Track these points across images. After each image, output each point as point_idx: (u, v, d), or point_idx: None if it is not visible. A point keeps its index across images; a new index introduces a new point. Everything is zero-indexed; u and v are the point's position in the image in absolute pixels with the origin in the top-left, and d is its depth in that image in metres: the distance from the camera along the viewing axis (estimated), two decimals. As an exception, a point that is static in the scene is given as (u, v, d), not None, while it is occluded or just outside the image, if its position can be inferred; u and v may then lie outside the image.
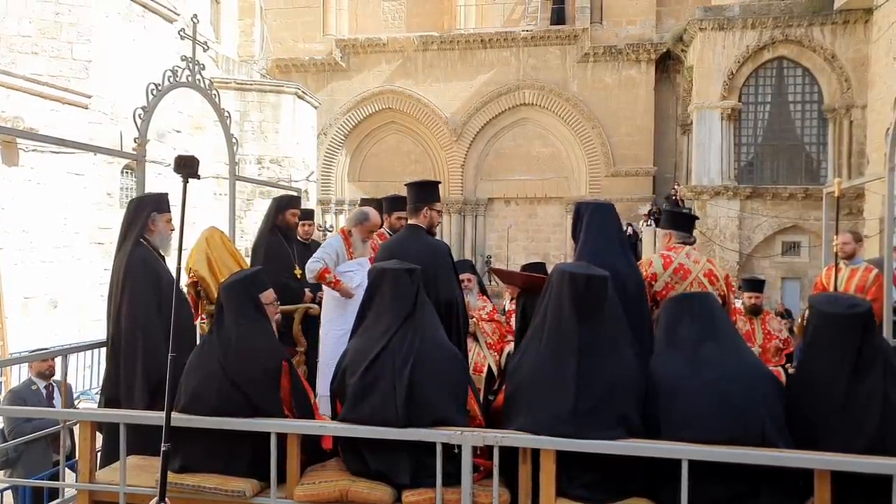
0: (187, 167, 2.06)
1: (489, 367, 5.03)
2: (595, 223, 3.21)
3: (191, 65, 4.38)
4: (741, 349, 2.77)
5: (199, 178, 2.11)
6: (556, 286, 2.72)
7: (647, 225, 17.44)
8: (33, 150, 9.68)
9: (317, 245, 5.35)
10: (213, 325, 3.01)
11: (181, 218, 2.06)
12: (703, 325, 2.70)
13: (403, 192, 4.00)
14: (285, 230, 5.21)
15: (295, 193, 5.82)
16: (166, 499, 1.76)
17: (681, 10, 18.86)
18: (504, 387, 2.97)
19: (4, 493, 4.01)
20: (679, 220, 4.04)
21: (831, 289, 5.03)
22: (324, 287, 4.57)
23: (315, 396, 3.66)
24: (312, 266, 4.34)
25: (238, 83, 15.53)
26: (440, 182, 4.10)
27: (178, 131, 12.75)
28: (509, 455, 2.54)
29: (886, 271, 4.28)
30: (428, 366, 2.65)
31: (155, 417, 2.83)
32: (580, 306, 2.62)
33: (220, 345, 2.85)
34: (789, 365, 5.11)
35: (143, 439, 3.12)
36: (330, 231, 17.30)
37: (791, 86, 16.71)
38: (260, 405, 2.76)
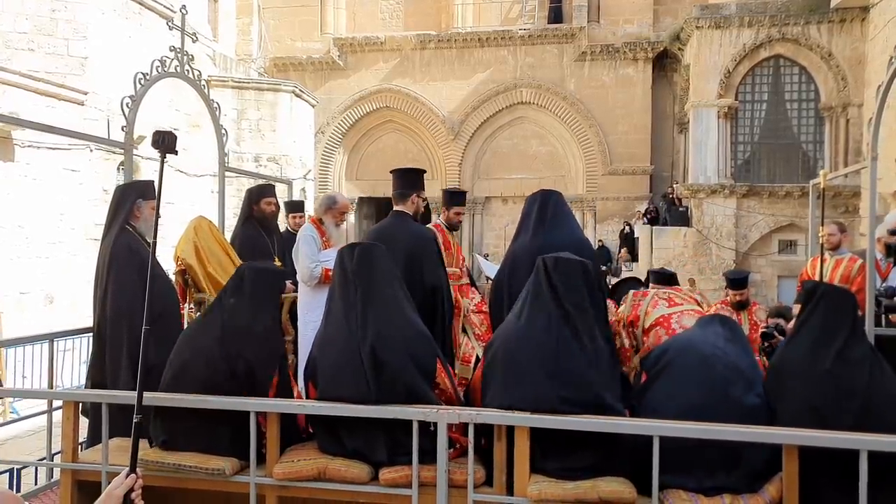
0: (165, 142, 2.08)
1: (477, 357, 5.07)
2: (550, 206, 3.34)
3: (180, 55, 4.42)
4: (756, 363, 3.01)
5: (176, 154, 2.12)
6: (536, 271, 2.83)
7: (643, 224, 17.48)
8: (29, 146, 9.72)
9: None
10: (220, 301, 3.02)
11: (157, 195, 2.09)
12: (733, 333, 2.94)
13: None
14: (262, 220, 5.09)
15: (268, 182, 5.66)
16: (137, 470, 1.77)
17: (678, 9, 18.90)
18: (482, 359, 3.03)
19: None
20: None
21: (816, 279, 5.06)
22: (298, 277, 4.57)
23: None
24: (314, 273, 4.22)
25: (235, 81, 15.55)
26: (425, 171, 4.15)
27: (175, 129, 12.79)
28: (485, 431, 2.58)
29: (869, 260, 4.31)
30: (393, 339, 2.69)
31: (133, 397, 2.85)
32: (557, 289, 2.71)
33: (227, 320, 2.87)
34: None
35: (127, 423, 3.15)
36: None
37: (788, 84, 16.74)
38: (256, 384, 2.79)
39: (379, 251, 2.91)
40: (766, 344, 3.99)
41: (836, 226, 5.20)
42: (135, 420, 1.98)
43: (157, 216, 2.10)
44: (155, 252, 2.14)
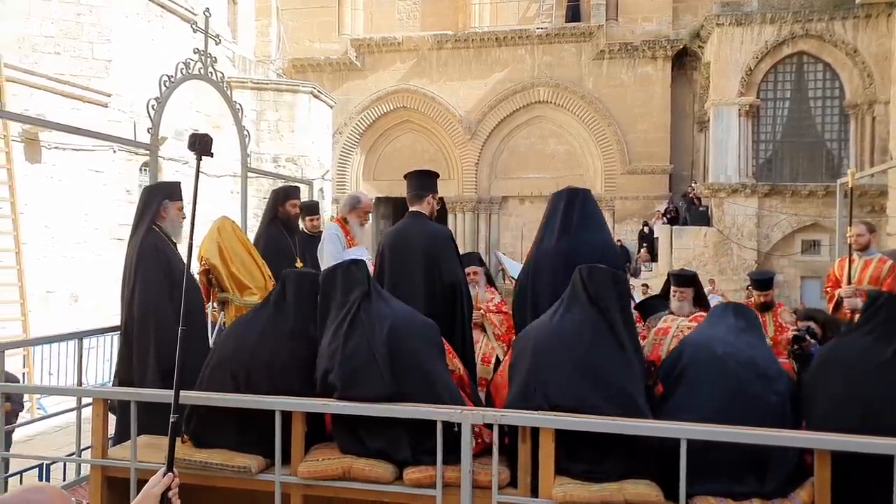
0: (201, 145, 2.10)
1: (497, 357, 5.05)
2: (576, 206, 3.33)
3: (203, 57, 4.46)
4: (771, 352, 3.00)
5: (212, 156, 2.15)
6: (574, 278, 2.91)
7: (663, 223, 17.33)
8: (55, 148, 9.88)
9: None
10: (265, 304, 3.11)
11: (193, 197, 2.10)
12: (747, 323, 2.92)
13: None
14: (286, 221, 5.17)
15: (294, 184, 5.75)
16: (174, 469, 1.80)
17: (698, 6, 18.70)
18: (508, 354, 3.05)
19: (27, 472, 4.12)
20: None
21: (844, 280, 4.97)
22: None
23: None
24: None
25: (255, 83, 15.68)
26: (438, 174, 4.17)
27: (195, 130, 12.92)
28: (509, 430, 2.57)
29: (900, 261, 4.23)
30: (403, 329, 2.75)
31: (164, 395, 2.90)
32: (592, 296, 2.80)
33: (268, 321, 2.98)
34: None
35: (153, 420, 3.20)
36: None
37: (811, 81, 16.49)
38: (292, 384, 2.83)
39: (362, 265, 3.01)
40: (795, 346, 3.91)
41: (864, 226, 5.10)
42: (171, 420, 2.00)
43: (193, 218, 2.12)
44: (191, 254, 2.16)
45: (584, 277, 2.84)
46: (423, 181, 3.86)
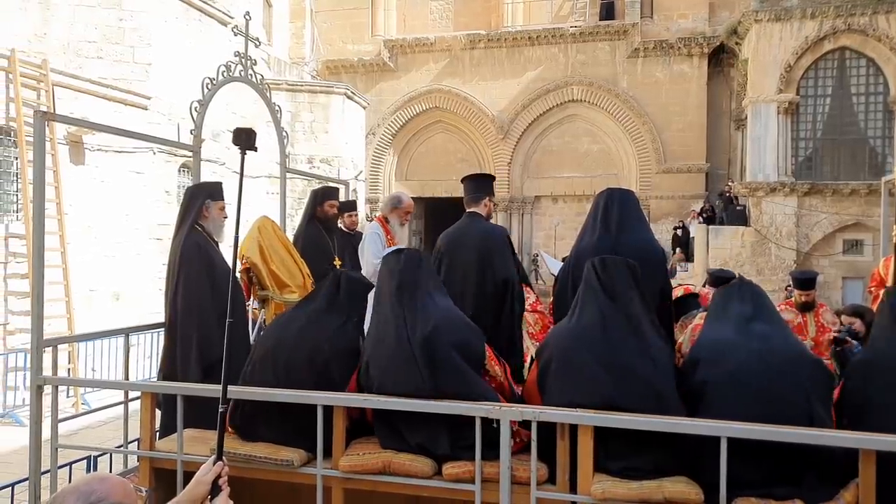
0: (245, 139, 2.17)
1: (532, 357, 5.05)
2: (617, 205, 3.33)
3: (243, 60, 4.56)
4: (787, 332, 2.83)
5: (255, 151, 2.21)
6: (586, 272, 2.88)
7: (699, 223, 17.05)
8: (98, 150, 10.20)
9: (360, 235, 5.46)
10: (309, 300, 3.17)
11: (239, 192, 2.16)
12: (754, 306, 2.79)
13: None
14: (324, 221, 5.35)
15: (332, 185, 5.92)
16: (223, 458, 1.87)
17: (735, 2, 18.36)
18: (535, 361, 3.04)
19: (76, 464, 4.26)
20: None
21: (889, 280, 4.84)
22: None
23: None
24: (378, 269, 4.30)
25: (289, 84, 15.91)
26: (495, 177, 4.26)
27: (231, 131, 13.17)
28: (547, 428, 2.58)
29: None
30: (443, 329, 2.76)
31: (209, 390, 2.99)
32: (606, 288, 2.78)
33: (312, 316, 3.01)
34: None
35: (197, 414, 3.29)
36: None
37: (854, 77, 16.04)
38: (332, 377, 2.88)
39: (422, 255, 3.05)
40: (837, 348, 3.83)
41: (910, 224, 4.95)
42: (220, 410, 2.07)
43: (238, 213, 2.17)
44: (237, 250, 2.22)
45: (598, 269, 2.81)
46: (480, 184, 3.99)
